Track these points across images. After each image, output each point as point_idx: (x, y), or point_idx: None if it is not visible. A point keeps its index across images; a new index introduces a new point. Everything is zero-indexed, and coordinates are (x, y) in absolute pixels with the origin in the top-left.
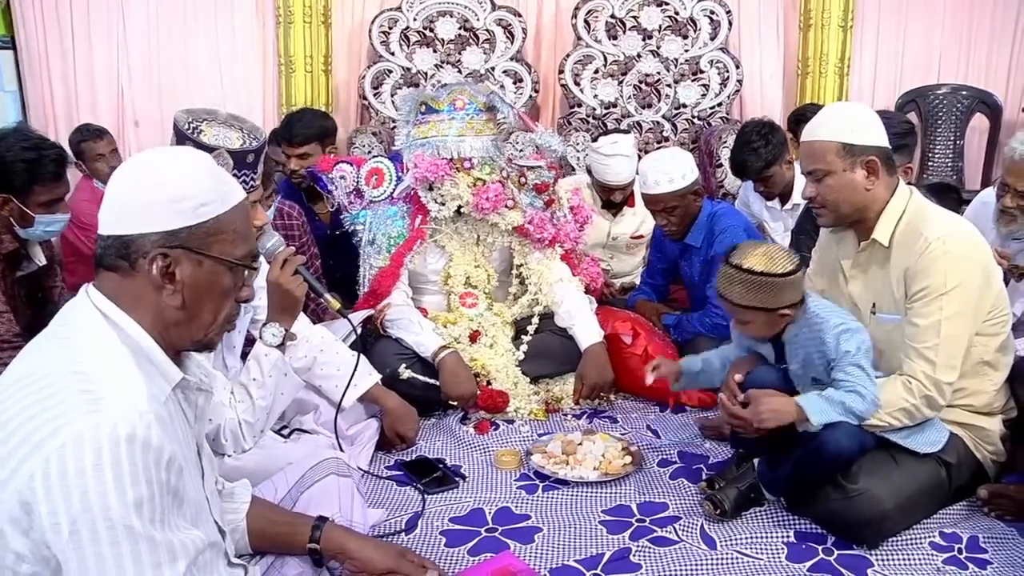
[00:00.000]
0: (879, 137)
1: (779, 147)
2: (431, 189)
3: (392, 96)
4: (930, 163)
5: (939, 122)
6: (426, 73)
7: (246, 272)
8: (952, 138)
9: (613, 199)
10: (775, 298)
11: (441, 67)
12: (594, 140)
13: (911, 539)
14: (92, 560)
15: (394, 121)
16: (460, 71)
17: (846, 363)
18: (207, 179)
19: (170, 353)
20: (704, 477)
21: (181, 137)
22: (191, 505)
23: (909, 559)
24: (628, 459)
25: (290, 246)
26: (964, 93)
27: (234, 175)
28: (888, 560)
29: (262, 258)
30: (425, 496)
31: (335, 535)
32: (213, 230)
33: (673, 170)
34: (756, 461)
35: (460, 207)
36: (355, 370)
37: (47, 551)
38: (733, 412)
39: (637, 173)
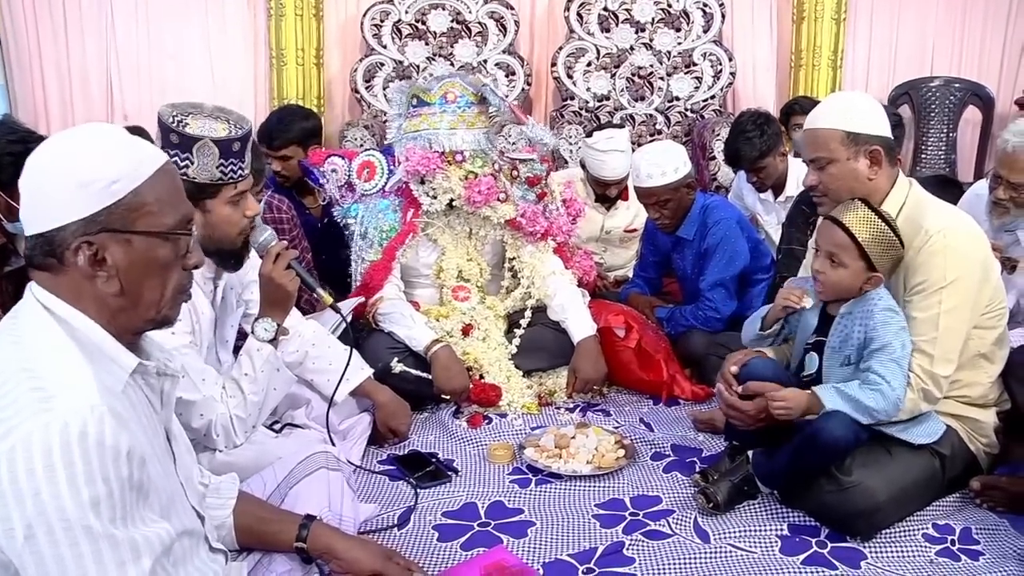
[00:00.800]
0: (883, 127)
1: (774, 138)
2: (423, 182)
3: (384, 89)
4: (923, 155)
5: (932, 114)
6: (418, 66)
7: (185, 239)
8: (945, 130)
9: (608, 194)
10: (883, 259)
11: (433, 60)
12: (588, 135)
13: (904, 531)
14: (52, 563)
15: (386, 114)
16: (452, 64)
17: (886, 357)
18: (113, 154)
19: (126, 339)
20: (697, 470)
21: (166, 131)
22: (160, 495)
23: (902, 551)
24: (621, 452)
25: (281, 240)
26: (957, 85)
27: (220, 164)
28: (881, 552)
29: (253, 251)
30: (417, 490)
31: (322, 534)
32: (134, 205)
33: (666, 163)
34: (750, 454)
35: (452, 200)
36: (347, 364)
37: (3, 556)
38: (732, 403)
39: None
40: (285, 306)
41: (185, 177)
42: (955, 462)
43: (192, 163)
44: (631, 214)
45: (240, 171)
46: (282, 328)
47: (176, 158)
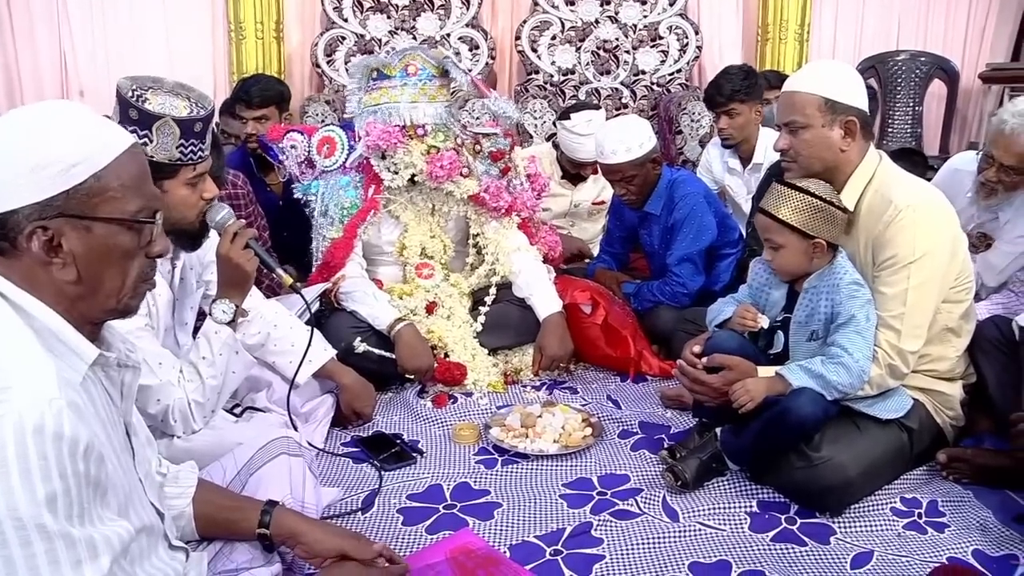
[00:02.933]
0: (861, 99)
1: (755, 88)
2: (384, 158)
3: (346, 64)
4: (890, 129)
5: (898, 88)
6: (380, 40)
7: (149, 227)
8: (911, 104)
9: (583, 173)
10: (818, 225)
11: (395, 34)
12: (565, 117)
13: (873, 505)
14: (1, 564)
15: (348, 89)
16: (415, 38)
17: (850, 328)
18: (74, 136)
19: (87, 328)
20: (665, 447)
21: (124, 105)
22: (118, 491)
23: (871, 525)
24: (588, 431)
25: (238, 218)
26: (923, 59)
27: (180, 145)
28: (850, 527)
29: (212, 230)
30: (382, 473)
31: (285, 519)
32: (94, 190)
33: (630, 139)
34: (718, 431)
35: (414, 176)
36: (308, 345)
37: None
38: (695, 377)
39: None
40: (243, 287)
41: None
42: (922, 435)
43: (151, 141)
44: (598, 187)
45: (200, 153)
46: (241, 309)
47: (134, 135)
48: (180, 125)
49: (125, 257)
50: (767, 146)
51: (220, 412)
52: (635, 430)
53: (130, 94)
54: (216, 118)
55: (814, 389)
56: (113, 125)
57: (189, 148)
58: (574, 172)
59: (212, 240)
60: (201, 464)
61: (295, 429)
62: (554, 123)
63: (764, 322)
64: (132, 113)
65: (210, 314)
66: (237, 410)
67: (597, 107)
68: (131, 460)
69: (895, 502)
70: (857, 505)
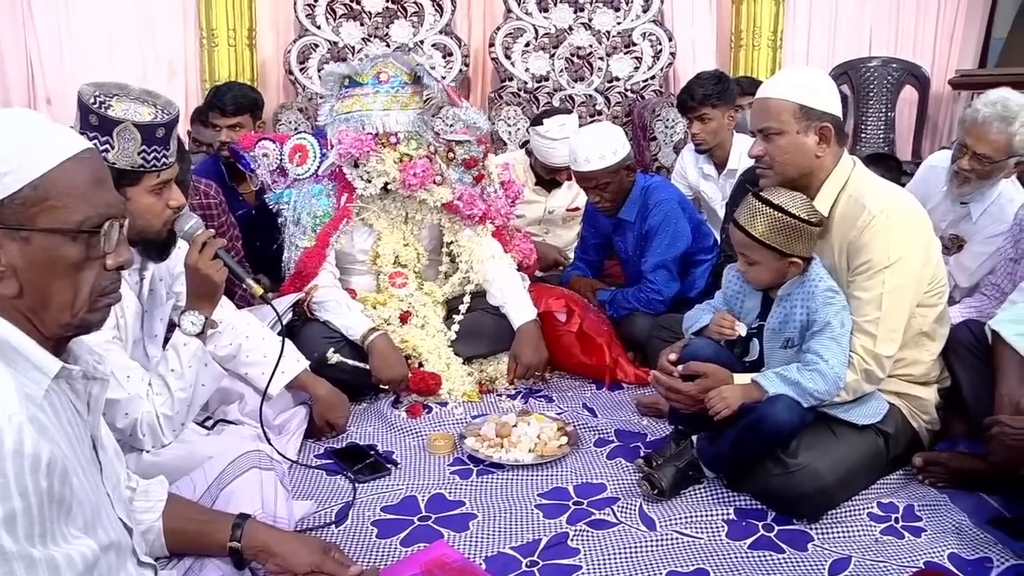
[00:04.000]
0: (835, 106)
1: (727, 94)
2: (356, 166)
3: (319, 71)
4: (863, 134)
5: (871, 94)
6: (353, 47)
7: (99, 237)
8: (884, 110)
9: (557, 179)
10: (793, 243)
11: (369, 41)
12: (537, 123)
13: (850, 511)
14: None
15: (321, 96)
16: (388, 45)
17: (826, 335)
18: (7, 144)
19: (51, 343)
20: (641, 455)
21: (85, 111)
22: (84, 507)
23: (848, 531)
24: (564, 440)
25: (208, 228)
26: (894, 66)
27: (142, 151)
28: (828, 534)
29: (182, 240)
30: (356, 485)
31: (257, 532)
32: (31, 199)
33: (604, 146)
34: (695, 438)
35: (387, 184)
36: (280, 356)
37: None
38: (671, 385)
39: None
40: (213, 298)
41: (104, 162)
42: (899, 440)
43: (112, 147)
44: (572, 194)
45: (164, 159)
46: (210, 321)
47: (95, 141)
48: (141, 130)
49: (73, 269)
50: (741, 152)
51: (190, 425)
52: (611, 438)
53: (92, 100)
54: (188, 126)
55: (790, 396)
56: (62, 132)
57: (152, 154)
58: (548, 178)
59: (183, 250)
60: (171, 478)
61: (267, 442)
62: (527, 130)
63: (742, 330)
64: (92, 119)
65: (179, 326)
66: (208, 423)
67: (569, 112)
68: (98, 474)
69: (872, 507)
70: (834, 511)
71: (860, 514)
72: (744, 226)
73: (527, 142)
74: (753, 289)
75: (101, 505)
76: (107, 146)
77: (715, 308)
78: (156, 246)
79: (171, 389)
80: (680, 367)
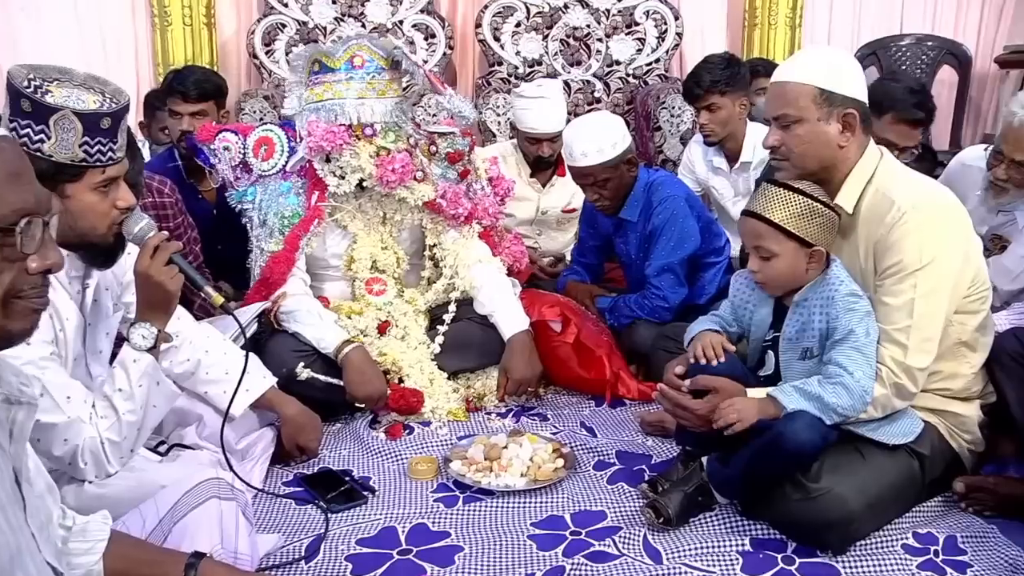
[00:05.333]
0: (861, 90)
1: (738, 79)
2: (328, 161)
3: (287, 54)
4: None
5: None
6: (325, 28)
7: (13, 238)
8: None
9: (542, 154)
10: (815, 231)
11: (342, 20)
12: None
13: (881, 542)
14: None
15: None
16: (364, 25)
17: (848, 345)
18: None
19: None
20: (646, 480)
21: (16, 96)
22: (1, 551)
23: (880, 565)
24: (560, 463)
25: (162, 229)
26: (930, 44)
27: (84, 143)
28: (856, 567)
29: (130, 244)
30: (329, 515)
31: (214, 574)
32: None
33: (602, 139)
34: (704, 460)
35: (362, 181)
36: (244, 373)
37: None
38: (679, 401)
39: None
40: (166, 308)
41: (40, 154)
42: (936, 462)
43: (48, 137)
44: (569, 192)
45: (110, 153)
46: (164, 334)
47: (28, 130)
48: (83, 120)
49: None
50: (756, 143)
51: (141, 451)
52: (612, 461)
53: (26, 84)
54: (140, 116)
55: (810, 412)
56: None
57: (96, 147)
58: (534, 155)
59: (133, 256)
60: (116, 513)
61: (229, 468)
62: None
63: (723, 356)
64: (24, 105)
65: (128, 340)
66: (162, 448)
67: (552, 76)
68: (21, 512)
69: (907, 538)
70: (863, 542)
71: (893, 546)
72: (760, 212)
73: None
74: (765, 297)
75: (23, 548)
76: (42, 136)
77: (721, 319)
78: (101, 251)
79: (118, 411)
80: (688, 382)
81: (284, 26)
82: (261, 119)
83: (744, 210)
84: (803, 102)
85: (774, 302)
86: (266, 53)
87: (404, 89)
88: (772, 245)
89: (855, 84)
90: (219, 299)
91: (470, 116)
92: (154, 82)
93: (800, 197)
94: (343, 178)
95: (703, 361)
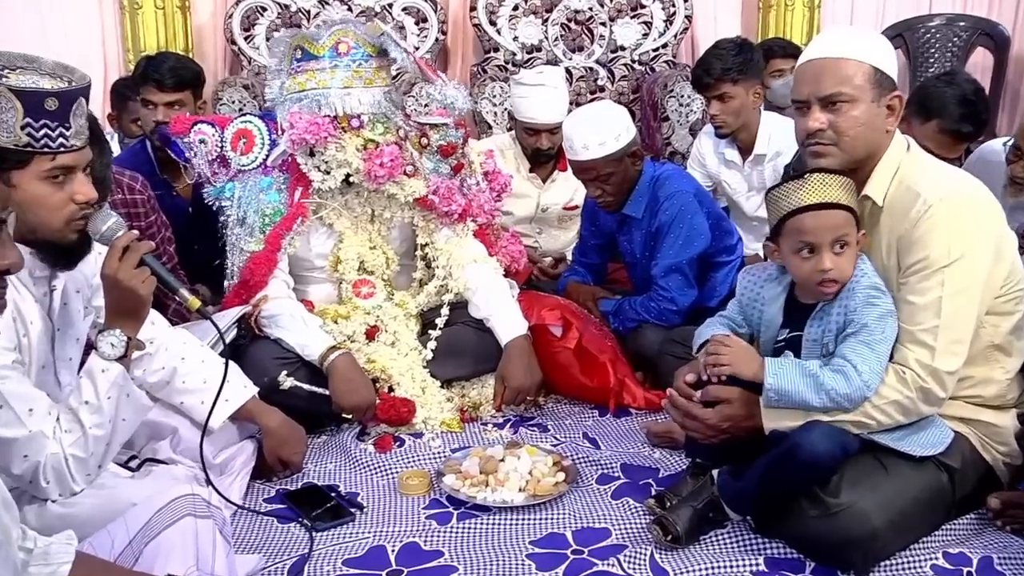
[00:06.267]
0: (897, 73)
1: (752, 67)
2: (312, 155)
3: (267, 40)
4: None
5: (931, 60)
6: (308, 12)
7: None
8: None
9: (540, 146)
10: (855, 205)
11: (327, 4)
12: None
13: (908, 563)
14: None
15: (270, 71)
16: (350, 9)
17: (858, 339)
18: None
19: None
20: (653, 494)
21: None
22: None
23: None
24: (561, 476)
25: (133, 228)
26: (962, 24)
27: (27, 125)
28: None
29: (96, 244)
30: (314, 533)
31: None
32: None
33: (604, 130)
34: (715, 473)
35: (349, 176)
36: (223, 382)
37: None
38: (689, 411)
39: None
40: (137, 314)
41: None
42: (967, 476)
43: None
44: (571, 188)
45: (61, 139)
46: (136, 341)
47: None
48: (23, 99)
49: None
50: (771, 133)
51: (110, 467)
52: (616, 474)
53: None
54: (109, 108)
55: (798, 389)
56: None
57: (42, 130)
58: (532, 147)
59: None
60: (83, 534)
61: (208, 482)
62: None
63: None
64: None
65: (96, 348)
66: (133, 463)
67: (554, 63)
68: None
69: (936, 558)
70: (888, 563)
71: (921, 566)
72: (836, 200)
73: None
74: (775, 294)
75: None
76: None
77: (729, 320)
78: (58, 250)
79: (84, 425)
80: (699, 393)
81: (264, 9)
82: (240, 110)
83: (808, 207)
84: (860, 81)
85: (784, 300)
86: (245, 39)
87: (394, 78)
88: (851, 233)
89: (895, 67)
90: (195, 303)
91: (463, 106)
92: (123, 70)
93: (842, 176)
94: (328, 173)
95: (714, 372)
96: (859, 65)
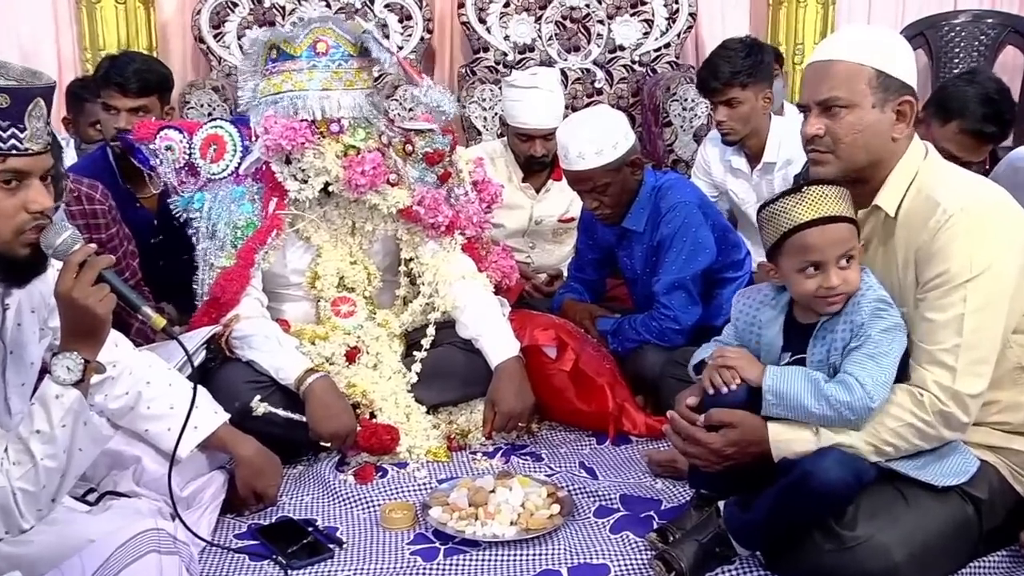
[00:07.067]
0: (913, 76)
1: (762, 69)
2: (288, 162)
3: (239, 39)
4: None
5: (955, 61)
6: (283, 8)
7: None
8: None
9: (534, 154)
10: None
11: (303, 1)
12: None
13: None
14: None
15: (242, 72)
16: (329, 5)
17: (862, 352)
18: None
19: None
20: (655, 528)
21: None
22: None
23: None
24: (556, 509)
25: (92, 241)
26: (990, 21)
27: None
28: None
29: (52, 260)
30: (289, 572)
31: None
32: None
33: (600, 138)
34: (721, 504)
35: (327, 185)
36: (191, 406)
37: None
38: (692, 435)
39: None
40: (95, 334)
41: None
42: (996, 509)
43: None
44: (566, 199)
45: (13, 141)
46: (95, 364)
47: None
48: None
49: None
50: (781, 140)
51: (66, 500)
52: (616, 506)
53: None
54: (65, 111)
55: (797, 393)
56: None
57: None
58: (526, 154)
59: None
60: (34, 573)
61: (175, 515)
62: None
63: (735, 384)
64: None
65: (50, 372)
66: (92, 496)
67: (549, 65)
68: None
69: None
70: None
71: None
72: (840, 213)
73: (507, 127)
74: (772, 317)
75: None
76: None
77: (724, 345)
78: (8, 264)
79: (35, 456)
80: (702, 417)
81: (236, 5)
82: (209, 114)
83: (811, 221)
84: (858, 84)
85: (783, 322)
86: (215, 37)
87: (376, 80)
88: (856, 246)
89: (910, 69)
90: (160, 321)
91: (450, 110)
92: (80, 70)
93: (837, 186)
94: (305, 182)
95: (723, 390)
96: (859, 68)
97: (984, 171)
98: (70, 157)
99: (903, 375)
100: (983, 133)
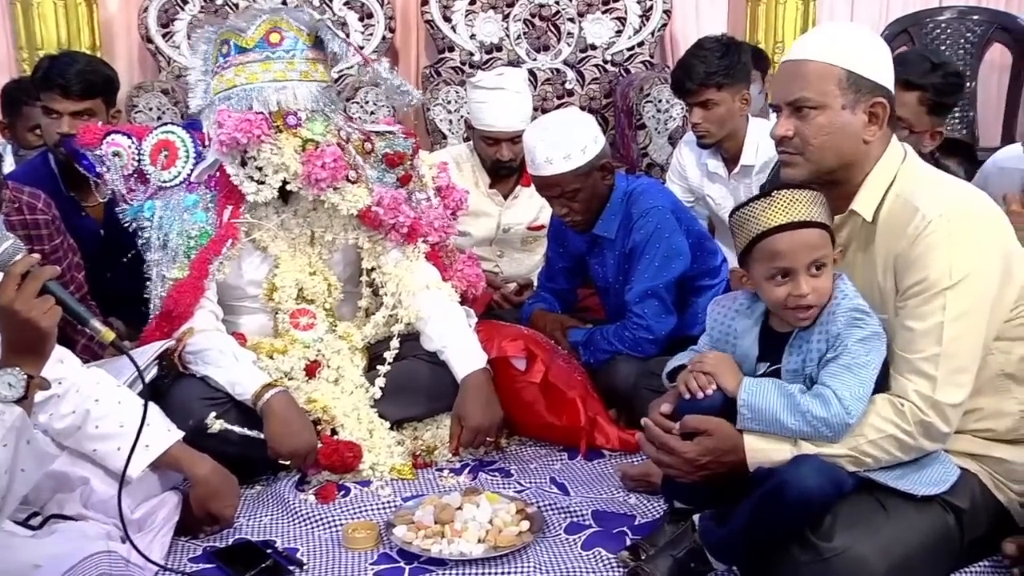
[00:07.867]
0: (889, 77)
1: (739, 70)
2: (244, 164)
3: (189, 38)
4: None
5: None
6: (236, 4)
7: None
8: None
9: (501, 158)
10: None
11: None
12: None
13: None
14: None
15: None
16: (285, 2)
17: (839, 364)
18: None
19: None
20: (627, 544)
21: None
22: None
23: None
24: (525, 525)
25: (34, 252)
26: (976, 18)
27: None
28: None
29: None
30: None
31: None
32: None
33: (568, 142)
34: (697, 518)
35: (285, 183)
36: (142, 424)
37: None
38: (665, 443)
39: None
40: (39, 349)
41: None
42: (977, 518)
43: None
44: (535, 206)
45: None
46: (38, 380)
47: None
48: None
49: None
50: (758, 143)
51: (6, 525)
52: (587, 522)
53: None
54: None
55: (773, 408)
56: None
57: None
58: (492, 158)
59: None
60: None
61: (126, 538)
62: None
63: (711, 390)
64: None
65: None
66: (35, 520)
67: (516, 65)
68: None
69: None
70: None
71: None
72: (811, 218)
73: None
74: (747, 326)
75: None
76: None
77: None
78: None
79: None
80: (677, 425)
81: (186, 2)
82: (159, 118)
83: (783, 226)
84: (826, 85)
85: (759, 331)
86: (163, 36)
87: (337, 80)
88: (828, 253)
89: (884, 69)
90: (109, 335)
91: (414, 94)
92: (15, 70)
93: (809, 190)
94: (263, 183)
95: (699, 395)
96: (829, 68)
97: (935, 161)
98: (8, 164)
99: (883, 385)
100: (921, 85)
